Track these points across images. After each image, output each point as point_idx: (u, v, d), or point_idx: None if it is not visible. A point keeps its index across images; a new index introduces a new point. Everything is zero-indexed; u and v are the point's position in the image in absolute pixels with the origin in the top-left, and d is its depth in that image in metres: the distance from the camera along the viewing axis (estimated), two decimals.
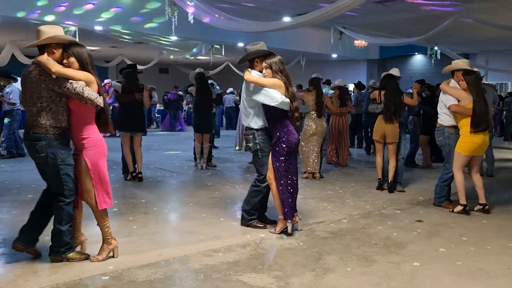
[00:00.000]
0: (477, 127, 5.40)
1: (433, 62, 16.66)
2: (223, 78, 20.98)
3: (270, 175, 4.63)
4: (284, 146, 4.52)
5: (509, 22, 11.67)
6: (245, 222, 4.95)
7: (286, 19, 10.45)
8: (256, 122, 4.70)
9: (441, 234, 4.81)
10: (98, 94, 3.70)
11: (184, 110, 19.11)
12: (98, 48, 17.87)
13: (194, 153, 9.03)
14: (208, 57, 16.62)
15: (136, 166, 7.49)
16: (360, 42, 14.80)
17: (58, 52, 3.71)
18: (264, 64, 4.55)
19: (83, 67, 3.70)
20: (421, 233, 4.84)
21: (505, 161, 10.45)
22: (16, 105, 9.62)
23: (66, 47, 3.71)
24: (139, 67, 19.20)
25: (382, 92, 6.73)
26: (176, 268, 3.76)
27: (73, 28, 11.44)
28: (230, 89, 18.37)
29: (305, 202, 6.18)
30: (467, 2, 10.01)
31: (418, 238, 4.68)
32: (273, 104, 4.43)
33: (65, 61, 3.69)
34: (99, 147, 3.85)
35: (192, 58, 16.97)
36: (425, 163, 9.33)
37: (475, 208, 5.76)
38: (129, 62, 19.21)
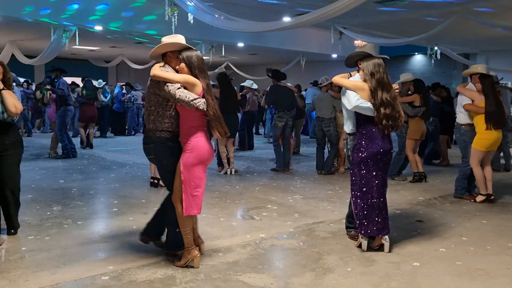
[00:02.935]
0: (488, 124, 5.93)
1: (433, 62, 16.66)
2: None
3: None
4: (360, 154, 4.20)
5: (509, 22, 11.66)
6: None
7: (286, 19, 10.44)
8: (348, 126, 4.46)
9: (441, 234, 4.81)
10: (199, 97, 3.63)
11: None
12: (98, 48, 17.87)
13: (219, 158, 8.41)
14: (208, 57, 16.62)
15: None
16: (360, 42, 14.78)
17: (173, 59, 3.83)
18: (360, 65, 4.30)
19: (191, 71, 3.73)
20: (421, 233, 4.84)
21: None
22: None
23: (179, 53, 3.79)
24: (139, 66, 19.27)
25: (421, 96, 7.41)
26: (176, 268, 3.76)
27: (73, 28, 11.44)
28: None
29: (305, 202, 6.18)
30: (467, 2, 10.01)
31: (418, 238, 4.67)
32: (348, 107, 4.23)
33: (177, 67, 3.78)
34: (194, 153, 3.70)
35: None
36: (444, 162, 9.64)
37: (478, 199, 6.25)
38: (129, 62, 19.28)
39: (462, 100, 6.31)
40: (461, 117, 6.37)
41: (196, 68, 3.74)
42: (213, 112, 3.69)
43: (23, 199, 5.89)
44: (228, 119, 8.23)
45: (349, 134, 4.48)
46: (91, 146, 11.61)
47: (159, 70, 3.70)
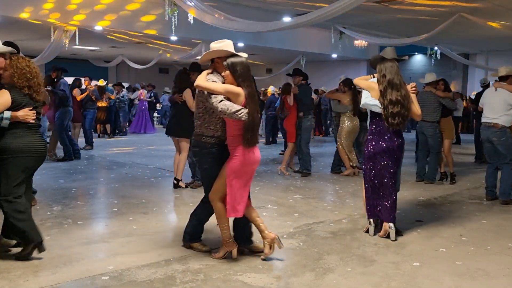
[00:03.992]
0: None
1: (433, 62, 16.68)
2: None
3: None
4: (370, 148, 4.62)
5: (509, 22, 11.67)
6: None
7: (286, 19, 10.45)
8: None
9: (441, 234, 4.81)
10: (241, 108, 3.65)
11: None
12: (98, 48, 17.87)
13: None
14: None
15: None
16: (360, 42, 14.81)
17: (221, 65, 3.85)
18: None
19: (235, 79, 3.74)
20: (421, 233, 4.84)
21: None
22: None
23: (225, 60, 3.80)
24: (139, 66, 19.27)
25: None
26: (176, 268, 3.76)
27: (73, 28, 11.44)
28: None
29: (305, 202, 6.18)
30: (468, 2, 10.02)
31: (418, 238, 4.67)
32: (360, 105, 4.78)
33: (223, 73, 3.81)
34: (240, 159, 3.76)
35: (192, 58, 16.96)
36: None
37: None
38: (129, 62, 19.29)
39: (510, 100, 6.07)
40: (507, 120, 6.06)
41: (240, 77, 3.74)
42: (250, 121, 3.68)
43: None
44: None
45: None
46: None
47: (203, 80, 3.77)
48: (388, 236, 4.57)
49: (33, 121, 3.86)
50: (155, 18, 12.29)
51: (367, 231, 4.73)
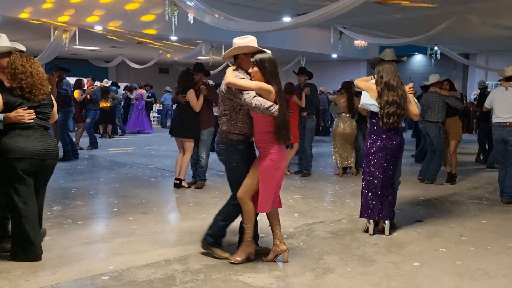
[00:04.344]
0: None
1: (433, 62, 16.67)
2: (223, 78, 20.97)
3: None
4: (368, 147, 4.76)
5: (509, 22, 11.67)
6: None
7: (286, 19, 10.44)
8: None
9: (441, 234, 4.81)
10: (273, 104, 3.62)
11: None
12: (98, 48, 17.86)
13: None
14: (208, 57, 16.61)
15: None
16: (360, 42, 14.79)
17: (246, 62, 3.79)
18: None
19: (264, 76, 3.71)
20: (421, 233, 4.84)
21: None
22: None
23: (252, 56, 3.74)
24: (139, 66, 19.27)
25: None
26: (176, 268, 3.76)
27: (73, 28, 11.43)
28: None
29: (305, 202, 6.18)
30: (467, 2, 10.01)
31: (418, 238, 4.67)
32: (360, 104, 4.89)
33: (250, 70, 3.75)
34: (272, 157, 3.74)
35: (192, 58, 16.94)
36: None
37: None
38: (129, 62, 19.29)
39: None
40: None
41: (269, 73, 3.71)
42: (282, 118, 3.66)
43: None
44: None
45: None
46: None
47: (234, 77, 3.71)
48: (383, 231, 4.69)
49: (31, 121, 3.75)
50: (155, 18, 12.29)
51: (367, 231, 4.77)
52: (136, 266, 3.76)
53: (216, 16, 9.14)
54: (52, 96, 4.08)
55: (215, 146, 3.98)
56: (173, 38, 13.49)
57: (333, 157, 8.42)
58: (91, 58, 21.24)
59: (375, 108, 4.68)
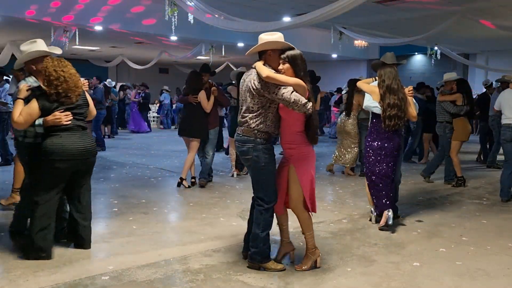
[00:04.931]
0: None
1: (433, 62, 16.66)
2: (223, 78, 21.00)
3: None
4: (369, 146, 5.01)
5: (509, 22, 11.67)
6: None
7: (286, 19, 10.44)
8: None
9: (441, 234, 4.81)
10: (307, 101, 3.51)
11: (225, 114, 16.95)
12: (98, 48, 17.87)
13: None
14: (208, 57, 16.62)
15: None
16: (360, 42, 14.80)
17: (274, 58, 3.66)
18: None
19: (296, 72, 3.59)
20: (421, 233, 4.84)
21: None
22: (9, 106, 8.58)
23: (281, 53, 3.64)
24: (139, 66, 19.27)
25: (464, 95, 7.25)
26: (176, 268, 3.77)
27: (73, 28, 11.44)
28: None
29: None
30: (467, 2, 10.01)
31: (418, 238, 4.68)
32: (364, 106, 5.11)
33: (280, 66, 3.63)
34: (306, 157, 3.71)
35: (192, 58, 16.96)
36: (424, 160, 9.76)
37: None
38: (129, 62, 19.30)
39: None
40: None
41: (302, 70, 3.60)
42: (313, 118, 3.62)
43: None
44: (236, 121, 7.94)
45: None
46: None
47: (271, 72, 3.54)
48: (387, 224, 4.82)
49: (68, 122, 3.85)
50: (155, 18, 12.30)
51: (370, 220, 5.15)
52: (136, 266, 3.76)
53: (216, 16, 9.13)
54: (86, 94, 4.15)
55: (237, 145, 3.76)
56: (173, 38, 13.49)
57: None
58: (91, 58, 21.25)
59: (378, 110, 4.88)
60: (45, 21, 11.07)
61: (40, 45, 4.07)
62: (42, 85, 3.93)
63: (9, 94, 7.62)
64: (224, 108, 10.33)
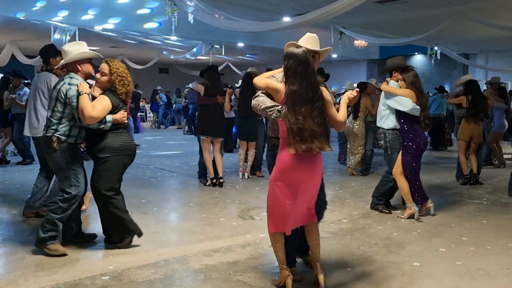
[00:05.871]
0: None
1: (433, 62, 16.67)
2: (223, 78, 21.00)
3: (397, 170, 5.34)
4: (408, 146, 5.27)
5: (509, 22, 11.67)
6: (373, 206, 5.73)
7: (286, 19, 10.45)
8: (388, 124, 5.43)
9: (441, 234, 4.81)
10: (275, 104, 3.27)
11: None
12: (98, 48, 17.87)
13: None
14: (208, 57, 16.63)
15: (217, 171, 7.17)
16: (360, 42, 14.82)
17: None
18: (399, 76, 5.35)
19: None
20: (421, 233, 4.84)
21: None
22: None
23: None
24: (139, 66, 19.28)
25: (469, 97, 7.32)
26: (176, 268, 3.76)
27: (72, 28, 11.45)
28: None
29: None
30: (467, 2, 10.02)
31: (418, 238, 4.68)
32: (403, 109, 5.22)
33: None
34: (276, 165, 3.35)
35: (192, 58, 16.95)
36: None
37: None
38: (129, 62, 19.29)
39: None
40: None
41: (288, 70, 3.31)
42: (290, 124, 3.15)
43: (23, 199, 5.89)
44: (248, 123, 7.79)
45: (387, 129, 5.44)
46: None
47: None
48: (428, 212, 5.41)
49: (126, 121, 4.15)
50: (155, 18, 12.30)
51: (412, 217, 5.32)
52: (136, 266, 3.76)
53: (216, 16, 9.14)
54: None
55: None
56: (173, 38, 13.50)
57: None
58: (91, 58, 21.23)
59: (418, 112, 5.24)
60: (45, 21, 11.07)
61: (86, 47, 4.24)
62: (96, 85, 4.14)
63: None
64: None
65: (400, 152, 5.35)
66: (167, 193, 6.83)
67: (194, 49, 15.68)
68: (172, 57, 18.70)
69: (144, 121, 19.75)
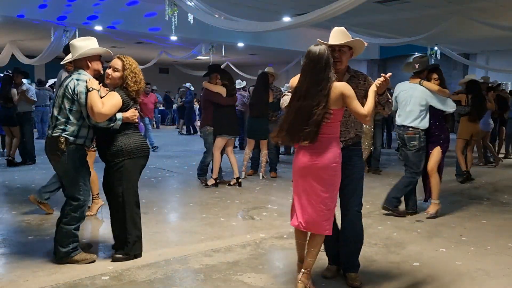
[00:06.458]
0: None
1: (433, 62, 16.65)
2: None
3: (434, 167, 5.46)
4: (446, 145, 5.54)
5: (509, 22, 11.67)
6: (392, 207, 5.51)
7: (286, 19, 10.44)
8: (424, 124, 5.43)
9: (441, 234, 4.81)
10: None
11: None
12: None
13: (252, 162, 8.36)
14: (208, 57, 16.63)
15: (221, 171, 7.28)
16: None
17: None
18: (435, 76, 5.51)
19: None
20: (421, 233, 4.84)
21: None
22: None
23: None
24: (140, 66, 19.31)
25: (469, 96, 7.50)
26: (176, 268, 3.77)
27: (72, 28, 11.45)
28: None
29: None
30: (468, 2, 10.01)
31: (418, 238, 4.68)
32: (450, 110, 5.48)
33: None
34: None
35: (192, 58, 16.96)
36: None
37: None
38: None
39: None
40: None
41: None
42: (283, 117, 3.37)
43: (23, 199, 5.90)
44: (257, 122, 7.79)
45: (422, 130, 5.42)
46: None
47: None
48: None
49: (137, 120, 3.90)
50: (155, 18, 12.30)
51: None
52: (136, 266, 3.76)
53: (216, 16, 9.14)
54: None
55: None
56: (173, 38, 13.50)
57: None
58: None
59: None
60: (45, 21, 11.07)
61: (97, 43, 4.13)
62: (107, 82, 3.98)
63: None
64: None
65: (437, 149, 5.45)
66: (167, 193, 6.83)
67: (194, 49, 15.68)
68: (173, 57, 18.70)
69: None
